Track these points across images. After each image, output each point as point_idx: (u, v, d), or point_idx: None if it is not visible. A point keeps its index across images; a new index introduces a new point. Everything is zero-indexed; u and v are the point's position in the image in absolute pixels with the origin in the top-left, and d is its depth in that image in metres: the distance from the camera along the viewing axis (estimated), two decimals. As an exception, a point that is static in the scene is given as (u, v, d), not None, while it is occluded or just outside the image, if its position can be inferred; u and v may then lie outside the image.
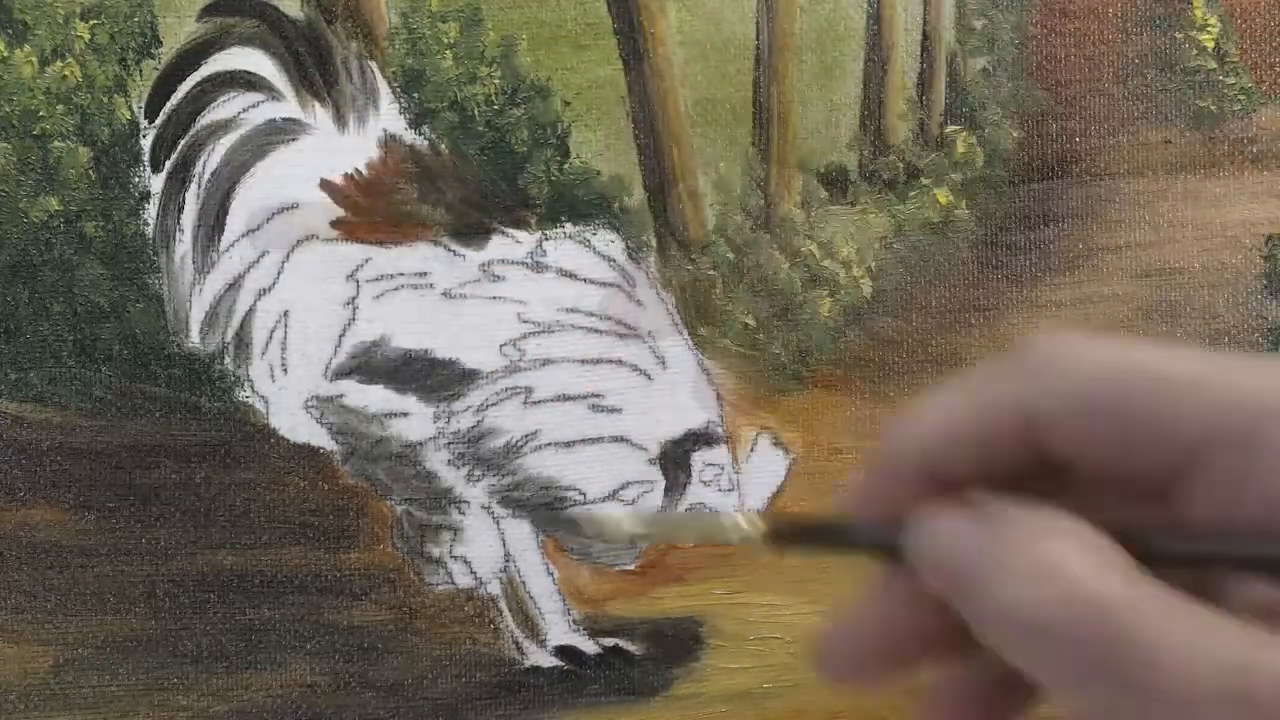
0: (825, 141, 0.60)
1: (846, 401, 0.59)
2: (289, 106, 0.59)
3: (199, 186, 0.58)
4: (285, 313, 0.59)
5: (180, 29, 0.58)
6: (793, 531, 0.31)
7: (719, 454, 0.60)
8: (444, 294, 0.59)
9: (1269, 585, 0.27)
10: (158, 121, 0.58)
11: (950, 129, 0.60)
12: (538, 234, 0.59)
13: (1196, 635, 0.26)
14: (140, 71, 0.58)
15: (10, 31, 0.57)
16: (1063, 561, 0.27)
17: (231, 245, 0.59)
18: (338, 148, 0.59)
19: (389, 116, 0.59)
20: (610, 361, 0.59)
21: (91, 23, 0.58)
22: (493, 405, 0.59)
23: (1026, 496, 0.29)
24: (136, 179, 0.58)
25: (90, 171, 0.58)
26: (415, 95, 0.59)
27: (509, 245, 0.59)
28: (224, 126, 0.58)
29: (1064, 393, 0.29)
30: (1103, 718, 0.27)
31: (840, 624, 0.31)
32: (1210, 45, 0.59)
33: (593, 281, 0.59)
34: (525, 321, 0.59)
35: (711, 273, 0.60)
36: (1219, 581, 0.28)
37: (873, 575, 0.31)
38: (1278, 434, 0.27)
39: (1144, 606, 0.26)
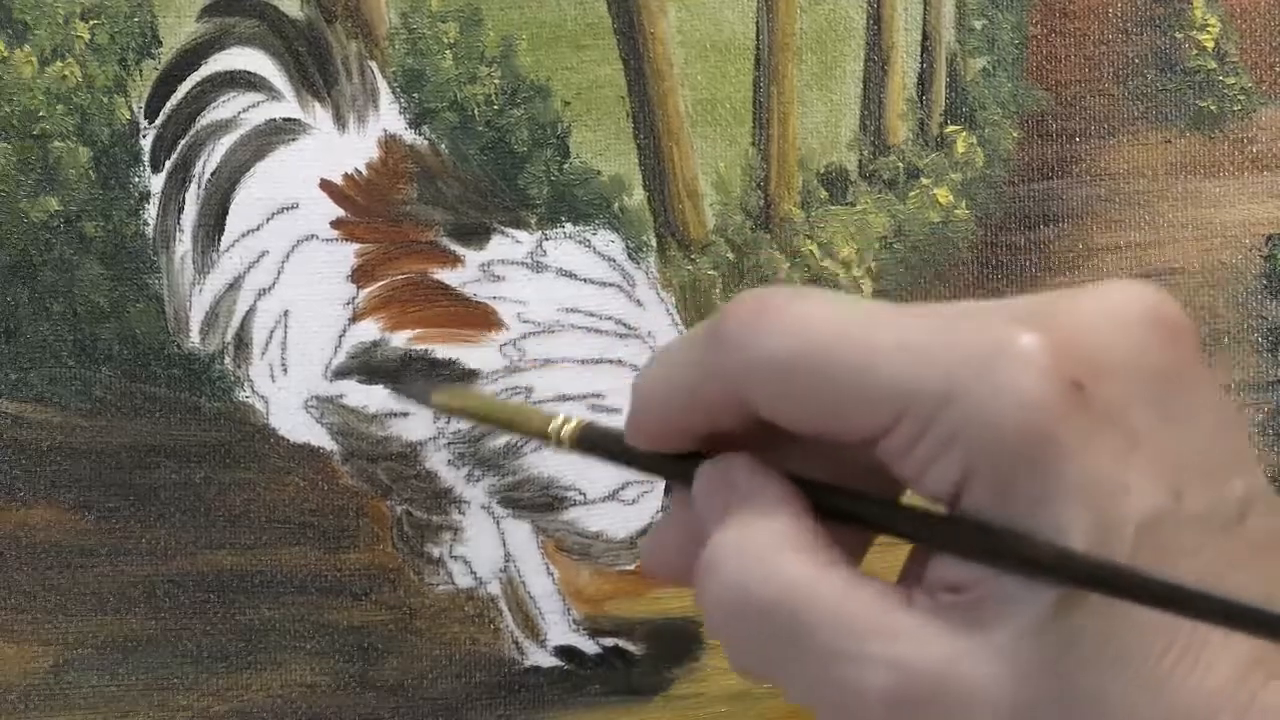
0: (825, 141, 0.60)
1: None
2: (289, 106, 0.59)
3: (199, 186, 0.58)
4: (285, 313, 0.59)
5: (180, 29, 0.58)
6: (593, 443, 0.32)
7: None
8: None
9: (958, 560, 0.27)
10: (158, 121, 0.58)
11: (950, 129, 0.60)
12: (538, 234, 0.59)
13: (846, 611, 0.27)
14: (140, 71, 0.58)
15: (10, 31, 0.57)
16: (764, 544, 0.28)
17: (231, 245, 0.59)
18: (338, 148, 0.59)
19: (389, 116, 0.59)
20: (610, 361, 0.59)
21: (91, 23, 0.58)
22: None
23: (753, 454, 0.30)
24: (136, 179, 0.58)
25: (90, 171, 0.58)
26: (415, 95, 0.59)
27: (509, 245, 0.59)
28: (224, 126, 0.58)
29: (759, 370, 0.28)
30: (778, 679, 0.29)
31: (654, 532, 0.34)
32: (1210, 45, 0.59)
33: (593, 281, 0.59)
34: (525, 321, 0.59)
35: (711, 273, 0.60)
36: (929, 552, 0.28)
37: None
38: (970, 389, 0.26)
39: (820, 589, 0.28)
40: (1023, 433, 0.26)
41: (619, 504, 0.60)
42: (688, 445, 0.31)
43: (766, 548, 0.28)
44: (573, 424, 0.33)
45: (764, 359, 0.28)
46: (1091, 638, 0.26)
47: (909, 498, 0.29)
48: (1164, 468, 0.26)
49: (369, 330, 0.59)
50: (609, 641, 0.60)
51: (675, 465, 0.32)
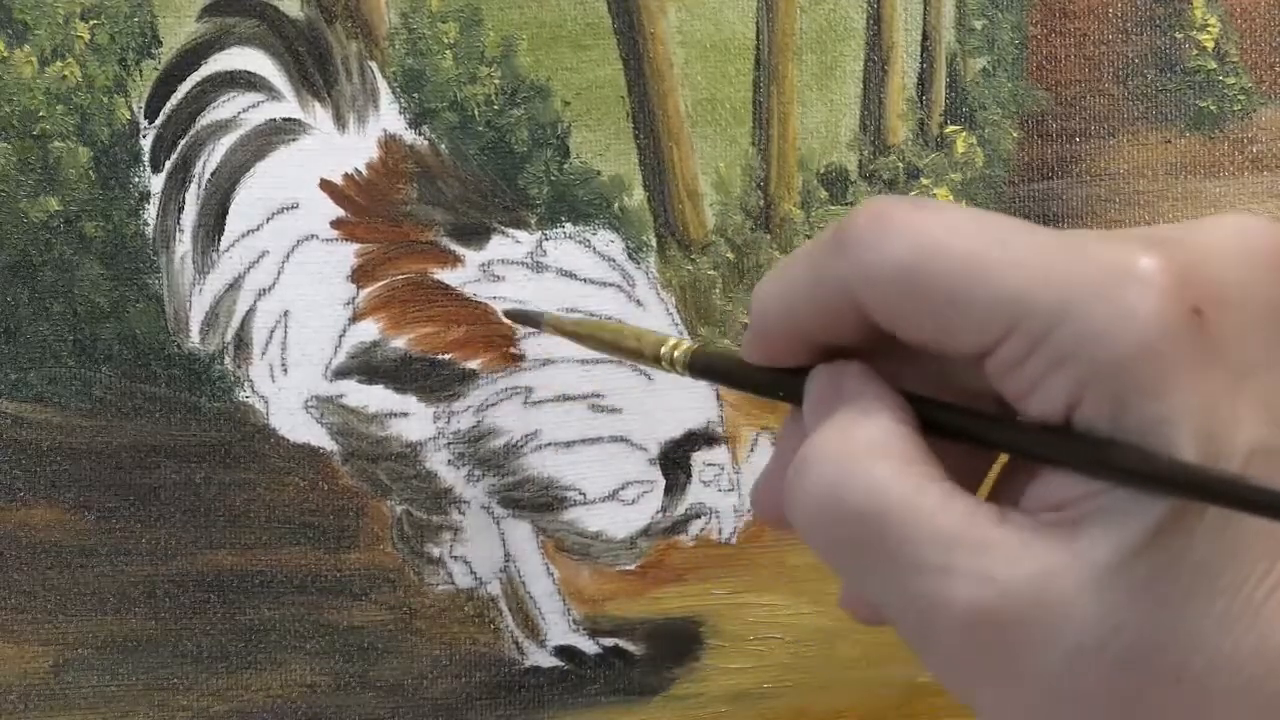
0: (825, 141, 0.60)
1: (846, 401, 0.59)
2: (289, 106, 0.59)
3: (199, 186, 0.58)
4: (285, 313, 0.59)
5: (180, 29, 0.58)
6: (708, 366, 0.32)
7: (719, 454, 0.60)
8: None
9: (1066, 474, 0.27)
10: (158, 121, 0.58)
11: (950, 129, 0.60)
12: (538, 234, 0.59)
13: (936, 521, 0.27)
14: (140, 71, 0.58)
15: (10, 31, 0.57)
16: (861, 446, 0.28)
17: (231, 245, 0.59)
18: (338, 148, 0.59)
19: (389, 116, 0.59)
20: (610, 361, 0.59)
21: (91, 23, 0.58)
22: (493, 405, 0.59)
23: (867, 363, 0.30)
24: (136, 179, 0.58)
25: (90, 171, 0.58)
26: (415, 95, 0.59)
27: (509, 245, 0.59)
28: (224, 126, 0.58)
29: (877, 277, 0.28)
30: (862, 587, 0.29)
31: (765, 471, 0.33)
32: (1210, 45, 0.59)
33: (593, 281, 0.59)
34: (525, 321, 0.59)
35: (711, 273, 0.60)
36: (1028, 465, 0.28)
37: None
38: (1089, 308, 0.26)
39: (911, 497, 0.27)
40: (1139, 353, 0.26)
41: (619, 504, 0.60)
42: (804, 358, 0.31)
43: (863, 449, 0.28)
44: (684, 346, 0.32)
45: (882, 265, 0.28)
46: (1193, 561, 0.26)
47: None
48: (1274, 401, 0.26)
49: (369, 330, 0.59)
50: (609, 641, 0.60)
51: (789, 382, 0.31)
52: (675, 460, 0.60)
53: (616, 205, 0.59)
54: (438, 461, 0.59)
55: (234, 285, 0.59)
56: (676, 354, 0.33)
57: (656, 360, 0.33)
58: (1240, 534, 0.26)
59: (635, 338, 0.35)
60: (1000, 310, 0.27)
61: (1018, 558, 0.26)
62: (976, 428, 0.29)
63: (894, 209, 0.28)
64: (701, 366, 0.33)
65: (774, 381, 0.32)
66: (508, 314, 0.57)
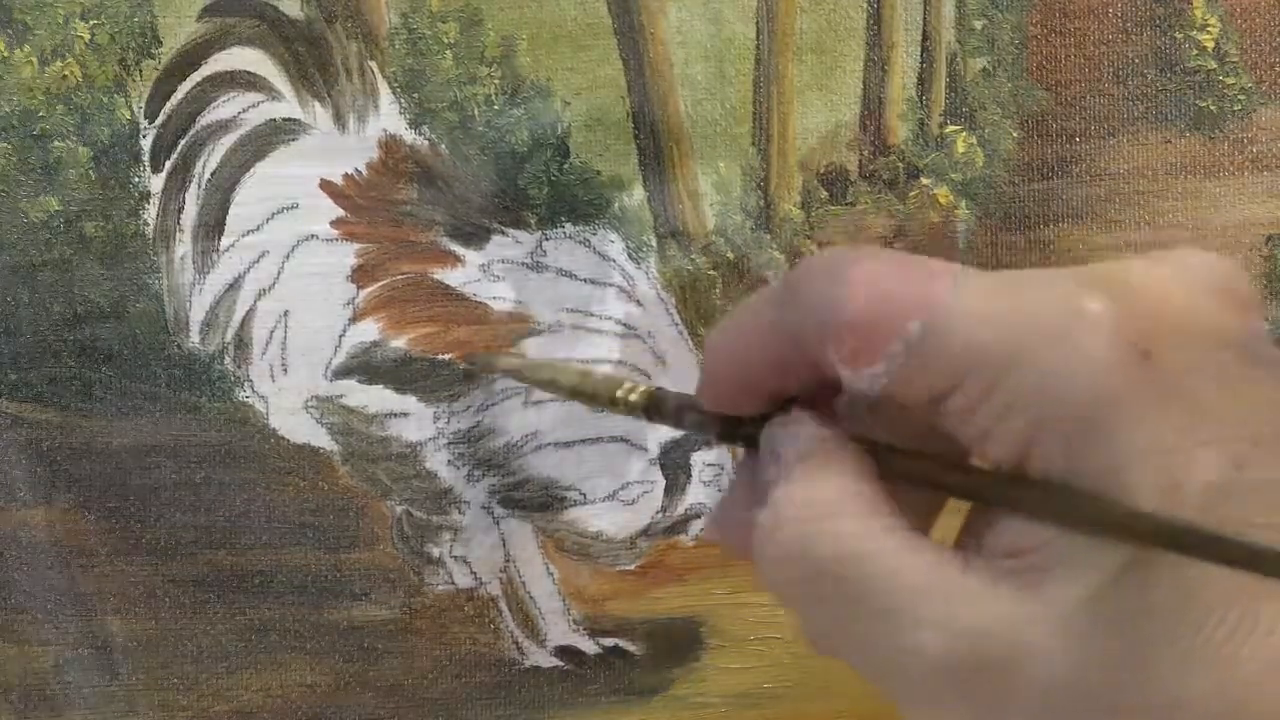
0: (825, 141, 0.60)
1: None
2: (289, 106, 0.59)
3: (199, 186, 0.58)
4: (285, 313, 0.59)
5: (180, 29, 0.58)
6: (661, 408, 0.33)
7: (719, 454, 0.60)
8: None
9: (1023, 521, 0.27)
10: (158, 121, 0.58)
11: (950, 129, 0.60)
12: (538, 234, 0.59)
13: (902, 572, 0.27)
14: (140, 71, 0.58)
15: (10, 31, 0.57)
16: (824, 502, 0.28)
17: (231, 245, 0.59)
18: (338, 148, 0.59)
19: (389, 116, 0.59)
20: (610, 361, 0.59)
21: (91, 23, 0.58)
22: (493, 405, 0.59)
23: (821, 407, 0.30)
24: (136, 179, 0.58)
25: (90, 171, 0.58)
26: (415, 95, 0.59)
27: (509, 245, 0.59)
28: (224, 126, 0.58)
29: (829, 327, 0.29)
30: (835, 636, 0.29)
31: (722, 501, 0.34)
32: (1210, 45, 0.59)
33: (593, 281, 0.59)
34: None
35: (711, 273, 0.60)
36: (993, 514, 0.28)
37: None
38: (1038, 355, 0.26)
39: (878, 549, 0.28)
40: (1091, 397, 0.26)
41: (619, 504, 0.60)
42: (758, 404, 0.31)
43: (827, 505, 0.28)
44: (639, 390, 0.33)
45: (835, 315, 0.28)
46: (1153, 603, 0.26)
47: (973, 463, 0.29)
48: (1227, 438, 0.26)
49: (369, 330, 0.59)
50: (609, 641, 0.60)
51: (743, 428, 0.32)
52: (675, 460, 0.60)
53: (616, 205, 0.59)
54: (438, 461, 0.59)
55: (234, 285, 0.59)
56: (633, 397, 0.33)
57: (612, 403, 0.33)
58: (1199, 576, 0.26)
59: (591, 386, 0.35)
60: (953, 357, 0.27)
61: (982, 606, 0.27)
62: (932, 472, 0.30)
63: (845, 259, 0.29)
64: (657, 410, 0.33)
65: (728, 429, 0.32)
66: (465, 362, 0.57)
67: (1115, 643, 0.26)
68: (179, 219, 0.58)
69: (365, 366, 0.59)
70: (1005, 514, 0.28)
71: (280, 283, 0.59)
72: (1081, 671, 0.26)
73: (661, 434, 0.59)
